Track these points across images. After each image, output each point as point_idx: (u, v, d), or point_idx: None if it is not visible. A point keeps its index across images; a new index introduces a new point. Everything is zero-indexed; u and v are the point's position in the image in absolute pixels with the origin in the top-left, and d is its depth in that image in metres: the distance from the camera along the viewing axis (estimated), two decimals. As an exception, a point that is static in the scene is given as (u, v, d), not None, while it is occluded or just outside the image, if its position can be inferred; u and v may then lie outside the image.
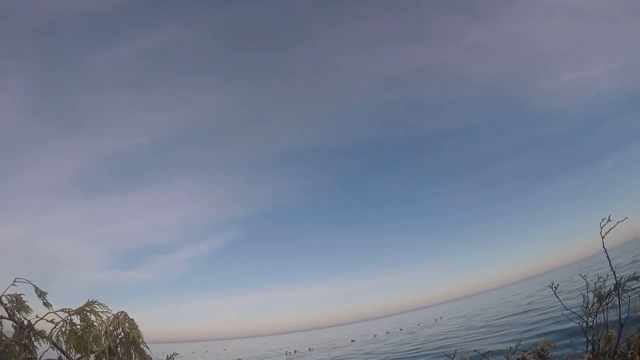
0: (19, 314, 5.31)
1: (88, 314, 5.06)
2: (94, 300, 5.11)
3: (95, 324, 5.04)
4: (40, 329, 5.36)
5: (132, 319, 5.11)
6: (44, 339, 5.29)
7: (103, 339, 4.97)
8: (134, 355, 5.06)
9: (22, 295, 5.36)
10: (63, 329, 5.03)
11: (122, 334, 5.09)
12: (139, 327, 5.11)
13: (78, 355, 5.19)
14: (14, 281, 5.34)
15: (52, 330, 5.33)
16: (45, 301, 5.45)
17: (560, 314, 5.76)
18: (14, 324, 5.23)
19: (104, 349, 4.99)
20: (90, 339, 4.99)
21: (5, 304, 5.26)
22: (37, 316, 5.34)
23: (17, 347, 5.05)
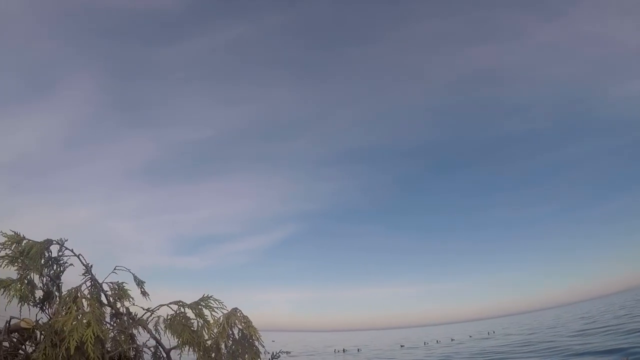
0: (120, 302, 5.03)
1: (203, 308, 4.73)
2: (209, 296, 4.78)
3: (209, 319, 4.73)
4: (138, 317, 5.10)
5: (247, 317, 4.75)
6: (143, 328, 5.01)
7: (217, 335, 4.64)
8: (246, 354, 4.73)
9: (124, 284, 5.07)
10: (179, 323, 4.72)
11: (237, 330, 4.75)
12: (254, 325, 4.75)
13: (182, 346, 4.92)
14: (115, 269, 5.08)
15: (147, 319, 5.06)
16: (142, 290, 5.19)
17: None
18: (115, 312, 4.95)
19: (216, 345, 4.68)
20: (204, 334, 4.68)
21: (107, 292, 4.98)
22: (133, 304, 5.07)
23: (121, 336, 4.76)
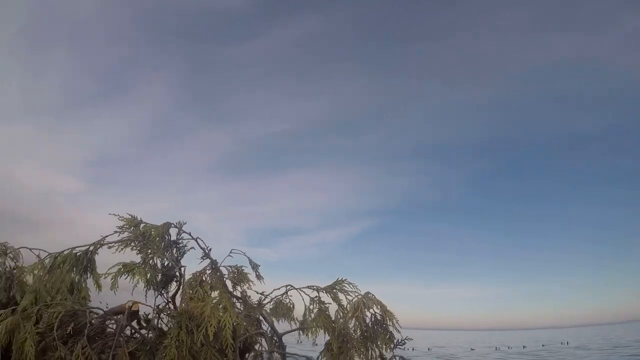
0: (240, 286, 4.73)
1: (337, 292, 4.38)
2: (343, 279, 4.43)
3: (343, 303, 4.37)
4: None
5: (381, 301, 4.38)
6: (264, 313, 4.73)
7: (350, 319, 4.29)
8: (379, 339, 4.37)
9: (243, 267, 4.76)
10: (313, 307, 4.38)
11: (370, 315, 4.39)
12: (389, 310, 4.38)
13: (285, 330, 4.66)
14: (230, 252, 4.79)
15: (259, 301, 4.78)
16: (257, 273, 4.87)
17: None
18: (239, 297, 4.67)
19: (348, 329, 4.33)
20: (339, 320, 4.33)
21: (225, 275, 4.66)
22: (249, 287, 4.77)
23: (244, 322, 4.44)
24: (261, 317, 4.66)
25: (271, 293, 4.76)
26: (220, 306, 3.91)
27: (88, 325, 4.18)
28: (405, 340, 4.76)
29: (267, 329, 4.64)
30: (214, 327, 3.73)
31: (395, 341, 4.75)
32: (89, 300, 5.27)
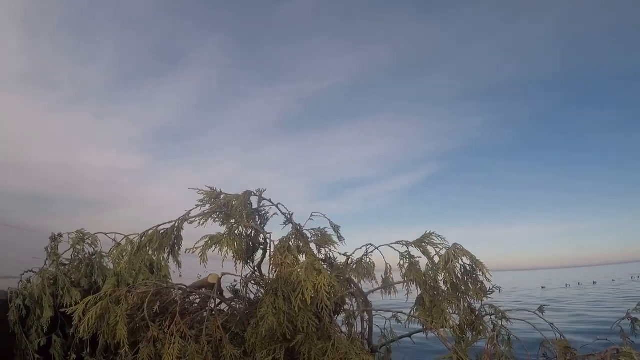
0: (325, 248, 4.64)
1: (427, 246, 4.24)
2: (431, 232, 4.27)
3: (433, 256, 4.23)
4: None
5: (470, 252, 4.21)
6: (351, 274, 4.65)
7: (444, 273, 4.15)
8: (471, 290, 4.23)
9: (326, 229, 4.66)
10: (404, 263, 4.27)
11: (459, 266, 4.24)
12: (479, 260, 4.22)
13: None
14: (311, 215, 4.68)
15: (345, 262, 4.68)
16: (339, 235, 4.77)
17: None
18: (326, 258, 4.60)
19: (438, 282, 4.22)
20: (430, 273, 4.20)
21: (309, 238, 4.58)
22: (333, 248, 4.68)
23: (336, 283, 4.37)
24: (350, 277, 4.58)
25: (353, 253, 4.65)
26: (315, 268, 3.82)
27: (175, 302, 4.18)
28: (494, 289, 4.62)
29: (354, 289, 4.56)
30: (311, 290, 3.64)
31: (488, 290, 4.63)
32: (170, 278, 5.31)
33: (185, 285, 4.49)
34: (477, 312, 4.39)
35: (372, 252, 4.69)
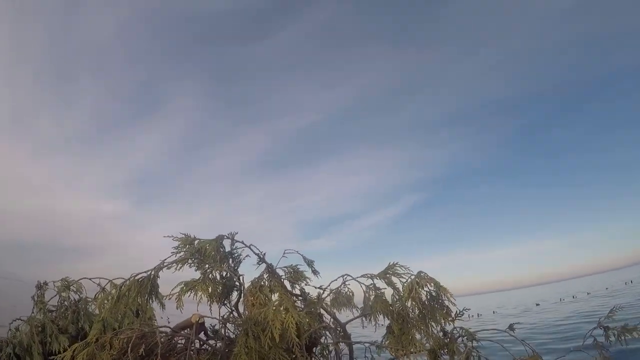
0: (297, 284, 4.80)
1: (390, 276, 4.40)
2: (395, 263, 4.45)
3: (397, 286, 4.39)
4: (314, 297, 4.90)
5: (434, 278, 4.37)
6: (323, 308, 4.79)
7: (409, 301, 4.30)
8: (438, 315, 4.37)
9: (298, 266, 4.82)
10: (369, 295, 4.43)
11: (424, 293, 4.39)
12: (444, 285, 4.37)
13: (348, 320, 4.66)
14: (284, 253, 4.85)
15: (323, 296, 4.82)
16: (313, 269, 4.93)
17: None
18: (299, 295, 4.75)
19: (406, 309, 4.36)
20: (396, 303, 4.35)
21: (282, 276, 4.74)
22: (306, 283, 4.83)
23: (307, 319, 4.51)
24: (322, 311, 4.71)
25: (329, 285, 4.81)
26: (282, 307, 3.97)
27: (159, 344, 4.33)
28: (463, 311, 4.75)
29: (330, 320, 4.70)
30: (279, 328, 3.80)
31: (453, 314, 4.76)
32: (155, 320, 5.45)
33: (169, 327, 4.64)
34: (449, 335, 4.52)
35: (349, 282, 4.86)
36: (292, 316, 3.87)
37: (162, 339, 4.45)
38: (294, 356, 4.06)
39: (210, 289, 4.31)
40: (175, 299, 4.22)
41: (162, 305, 4.98)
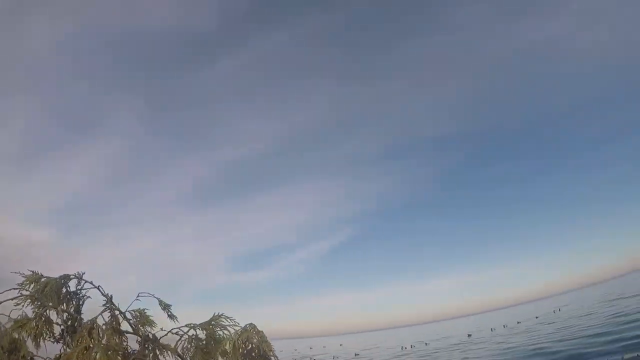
0: (143, 328, 4.79)
1: (214, 328, 4.40)
2: (220, 314, 4.44)
3: (222, 338, 4.37)
4: (166, 342, 4.86)
5: (262, 332, 4.37)
6: (169, 352, 4.76)
7: (230, 353, 4.27)
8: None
9: (145, 310, 4.83)
10: (187, 344, 4.41)
11: (252, 347, 4.36)
12: (268, 340, 4.34)
13: None
14: (137, 296, 4.87)
15: (177, 343, 4.79)
16: (170, 313, 4.92)
17: None
18: (139, 339, 4.73)
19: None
20: (218, 355, 4.33)
21: (130, 319, 4.76)
22: (162, 329, 4.80)
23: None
24: (162, 357, 4.67)
25: (170, 331, 4.75)
26: (96, 351, 4.00)
27: None
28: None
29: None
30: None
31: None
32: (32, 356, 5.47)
33: None
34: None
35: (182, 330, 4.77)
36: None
37: None
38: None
39: (40, 329, 4.36)
40: (5, 335, 4.29)
41: (37, 345, 5.02)
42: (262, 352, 4.33)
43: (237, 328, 4.37)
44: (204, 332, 4.40)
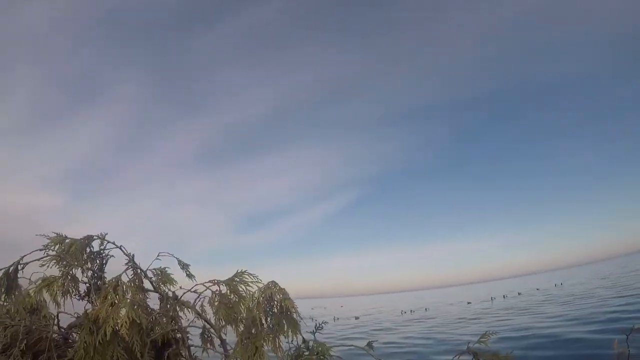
0: (164, 286, 4.85)
1: (237, 284, 4.44)
2: (243, 271, 4.47)
3: (244, 294, 4.42)
4: (185, 299, 4.92)
5: (284, 289, 4.38)
6: (189, 310, 4.81)
7: (255, 309, 4.32)
8: (285, 325, 4.37)
9: (166, 269, 4.89)
10: (213, 301, 4.46)
11: (274, 304, 4.41)
12: (290, 297, 4.37)
13: (223, 324, 4.63)
14: (158, 255, 4.89)
15: (195, 300, 4.84)
16: (188, 272, 4.97)
17: None
18: (160, 297, 4.79)
19: (254, 319, 4.36)
20: (241, 310, 4.37)
21: (151, 278, 4.82)
22: (180, 287, 4.85)
23: (164, 319, 4.57)
24: (182, 314, 4.71)
25: (192, 288, 4.80)
26: (122, 307, 4.06)
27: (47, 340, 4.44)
28: (322, 325, 4.75)
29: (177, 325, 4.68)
30: (112, 327, 3.89)
31: (316, 324, 4.76)
32: (51, 319, 5.57)
33: (57, 326, 4.75)
34: (301, 348, 4.51)
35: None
36: (128, 316, 3.95)
37: (55, 335, 4.58)
38: (137, 356, 4.12)
39: (67, 286, 4.43)
40: (34, 294, 4.36)
41: (57, 305, 5.10)
42: (284, 309, 4.37)
43: (259, 285, 4.40)
44: (227, 288, 4.44)
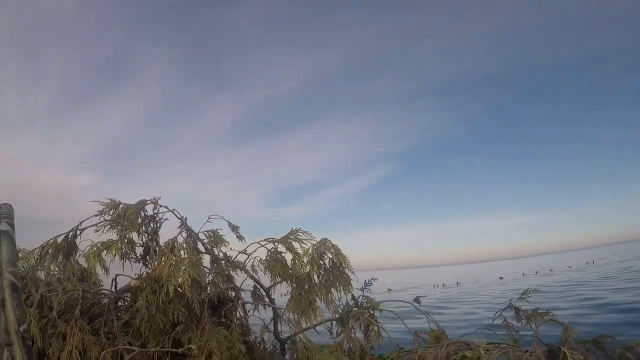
0: (216, 248, 4.93)
1: (292, 242, 4.51)
2: (297, 229, 4.55)
3: (299, 251, 4.50)
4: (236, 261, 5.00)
5: (336, 245, 4.45)
6: (240, 270, 4.90)
7: (309, 266, 4.40)
8: (337, 282, 4.45)
9: (218, 230, 4.96)
10: (271, 259, 4.54)
11: (327, 260, 4.49)
12: (343, 253, 4.45)
13: (279, 279, 4.72)
14: (209, 218, 4.96)
15: (245, 260, 4.92)
16: (238, 234, 5.03)
17: None
18: (212, 258, 4.88)
19: (308, 275, 4.45)
20: (298, 266, 4.46)
21: (203, 240, 4.89)
22: (231, 248, 4.91)
23: (219, 277, 4.67)
24: (234, 274, 4.80)
25: (244, 250, 4.88)
26: (182, 266, 4.15)
27: (99, 304, 4.57)
28: (371, 281, 4.81)
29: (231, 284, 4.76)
30: (174, 285, 3.99)
31: (365, 282, 4.83)
32: (100, 285, 5.69)
33: (107, 290, 4.87)
34: (350, 303, 4.60)
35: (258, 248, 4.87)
36: (188, 274, 4.04)
37: (106, 300, 4.71)
38: (196, 312, 4.24)
39: (124, 248, 4.53)
40: (92, 257, 4.46)
41: (107, 271, 5.20)
42: (337, 265, 4.45)
43: (312, 242, 4.47)
44: (283, 245, 4.52)
